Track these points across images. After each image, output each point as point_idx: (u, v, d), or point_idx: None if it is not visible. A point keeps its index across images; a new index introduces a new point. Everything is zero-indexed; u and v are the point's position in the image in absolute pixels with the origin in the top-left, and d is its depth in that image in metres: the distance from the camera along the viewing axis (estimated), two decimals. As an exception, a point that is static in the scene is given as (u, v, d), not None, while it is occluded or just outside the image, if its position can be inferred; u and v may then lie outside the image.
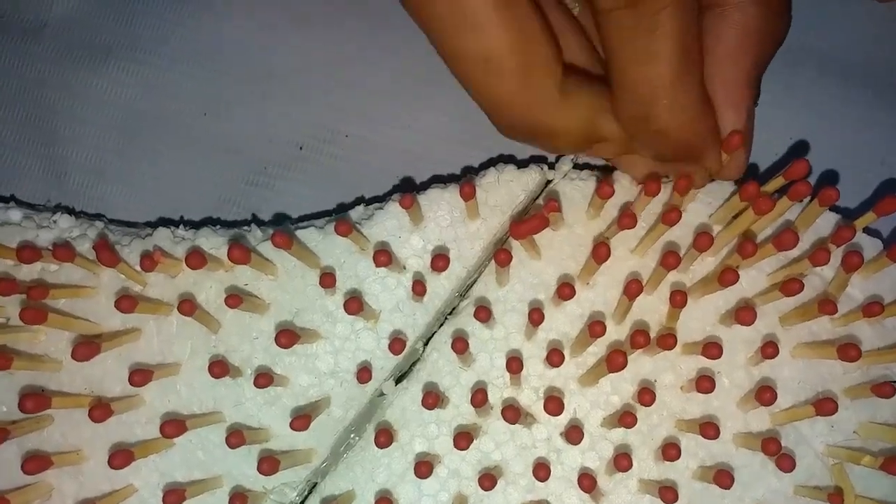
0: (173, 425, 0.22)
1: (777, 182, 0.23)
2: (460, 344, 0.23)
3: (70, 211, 0.29)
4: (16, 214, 0.28)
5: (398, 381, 0.26)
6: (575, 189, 0.26)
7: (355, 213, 0.27)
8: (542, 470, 0.23)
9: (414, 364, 0.26)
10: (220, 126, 0.30)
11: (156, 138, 0.30)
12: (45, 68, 0.31)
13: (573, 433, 0.23)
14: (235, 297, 0.23)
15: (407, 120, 0.30)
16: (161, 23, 0.31)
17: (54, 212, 0.28)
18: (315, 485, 0.26)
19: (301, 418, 0.23)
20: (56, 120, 0.31)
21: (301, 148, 0.30)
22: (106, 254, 0.24)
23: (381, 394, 0.26)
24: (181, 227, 0.27)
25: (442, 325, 0.27)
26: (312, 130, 0.30)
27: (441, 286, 0.26)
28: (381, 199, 0.27)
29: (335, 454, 0.26)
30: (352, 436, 0.26)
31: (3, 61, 0.31)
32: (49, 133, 0.30)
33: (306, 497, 0.25)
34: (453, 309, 0.27)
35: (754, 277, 0.25)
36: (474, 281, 0.27)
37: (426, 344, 0.26)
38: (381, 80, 0.30)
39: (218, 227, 0.27)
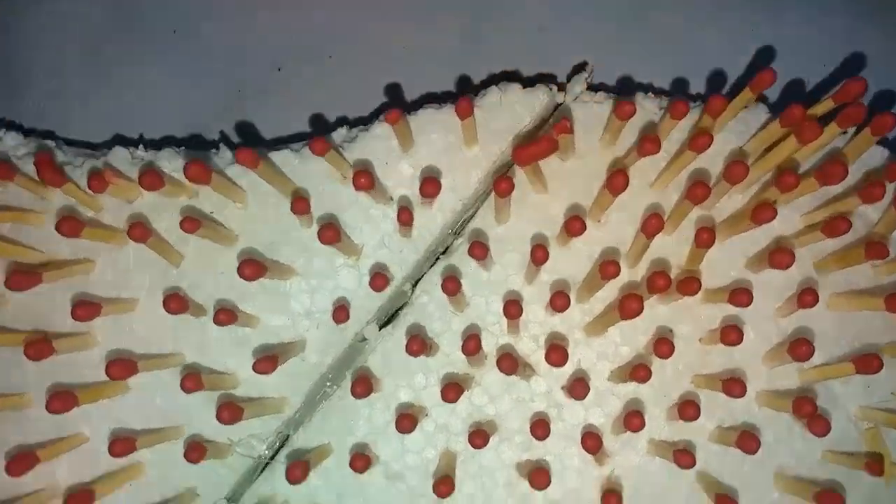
0: (121, 366, 0.20)
1: (826, 105, 0.20)
2: (452, 284, 0.20)
3: (19, 128, 0.25)
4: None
5: (382, 326, 0.23)
6: (588, 113, 0.23)
7: (337, 136, 0.24)
8: (540, 427, 0.20)
9: (400, 308, 0.23)
10: (190, 44, 0.27)
11: (120, 56, 0.27)
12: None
13: (577, 387, 0.20)
14: (193, 221, 0.20)
15: (399, 38, 0.26)
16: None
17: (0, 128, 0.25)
18: (287, 437, 0.23)
19: (266, 360, 0.20)
20: (11, 34, 0.27)
21: (280, 69, 0.27)
22: (48, 170, 0.21)
23: (363, 339, 0.23)
24: (140, 147, 0.24)
25: (433, 265, 0.24)
26: (293, 51, 0.27)
27: (432, 220, 0.23)
28: (367, 122, 0.24)
29: (310, 404, 0.23)
30: (328, 384, 0.23)
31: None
32: (2, 47, 0.27)
33: (277, 451, 0.23)
34: (447, 248, 0.24)
35: (787, 217, 0.22)
36: (470, 216, 0.24)
37: (415, 285, 0.24)
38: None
39: (182, 148, 0.24)
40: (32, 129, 0.26)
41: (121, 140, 0.25)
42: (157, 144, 0.25)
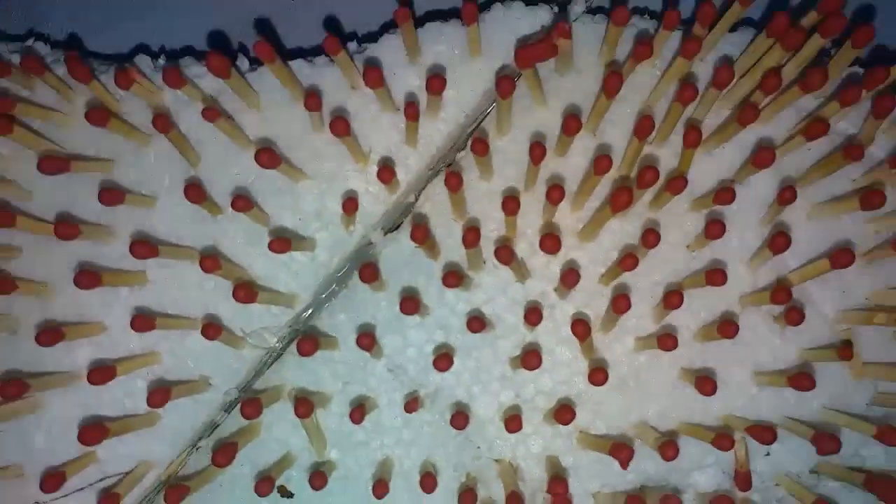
0: (144, 246, 0.21)
1: (810, 18, 0.21)
2: (454, 180, 0.21)
3: (46, 39, 0.27)
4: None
5: (387, 232, 0.25)
6: (588, 32, 0.24)
7: (348, 50, 0.25)
8: (534, 314, 0.22)
9: (405, 215, 0.25)
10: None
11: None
12: None
13: (568, 276, 0.22)
14: (213, 111, 0.21)
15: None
16: None
17: (27, 39, 0.26)
18: (297, 333, 0.24)
19: (281, 241, 0.21)
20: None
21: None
22: (77, 65, 0.22)
23: (369, 243, 0.25)
24: (162, 57, 0.25)
25: (436, 176, 0.25)
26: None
27: (437, 131, 0.24)
28: (375, 36, 0.25)
29: (318, 302, 0.24)
30: (334, 286, 0.25)
31: None
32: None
33: (287, 344, 0.24)
34: (450, 164, 0.25)
35: (772, 132, 0.24)
36: (473, 130, 0.25)
37: (418, 196, 0.25)
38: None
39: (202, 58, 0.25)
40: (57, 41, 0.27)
41: (144, 50, 0.27)
42: (177, 55, 0.26)
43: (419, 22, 0.26)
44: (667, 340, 0.21)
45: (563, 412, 0.21)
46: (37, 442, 0.23)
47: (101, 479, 0.23)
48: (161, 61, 0.25)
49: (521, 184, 0.24)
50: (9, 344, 0.23)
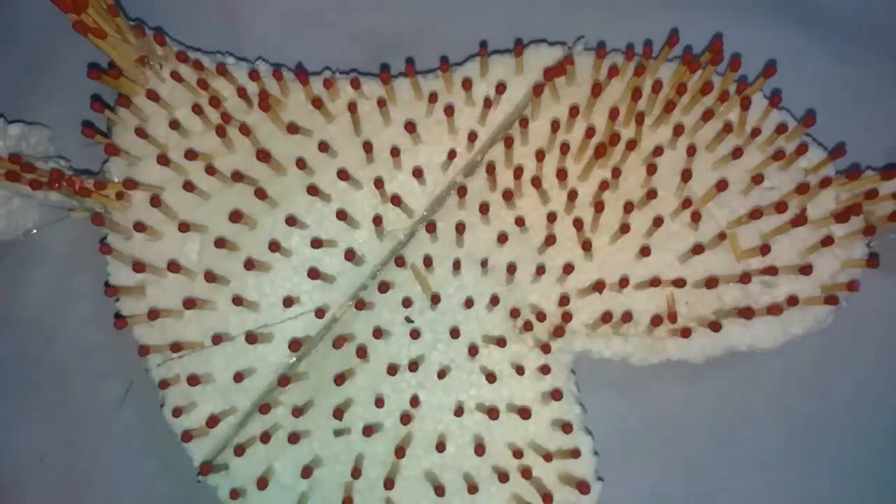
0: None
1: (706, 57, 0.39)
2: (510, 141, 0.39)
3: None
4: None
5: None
6: (584, 60, 0.42)
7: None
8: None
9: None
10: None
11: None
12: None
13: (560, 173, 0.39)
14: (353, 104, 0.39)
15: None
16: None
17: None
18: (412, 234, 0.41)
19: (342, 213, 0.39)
20: None
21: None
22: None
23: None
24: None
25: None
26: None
27: (501, 112, 0.42)
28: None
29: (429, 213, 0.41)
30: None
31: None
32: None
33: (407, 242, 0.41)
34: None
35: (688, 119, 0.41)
36: (517, 117, 0.42)
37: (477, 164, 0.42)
38: None
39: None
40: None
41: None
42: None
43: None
44: (624, 227, 0.38)
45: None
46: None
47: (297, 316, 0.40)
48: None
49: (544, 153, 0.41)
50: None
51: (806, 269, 0.37)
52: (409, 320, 0.39)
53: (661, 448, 0.41)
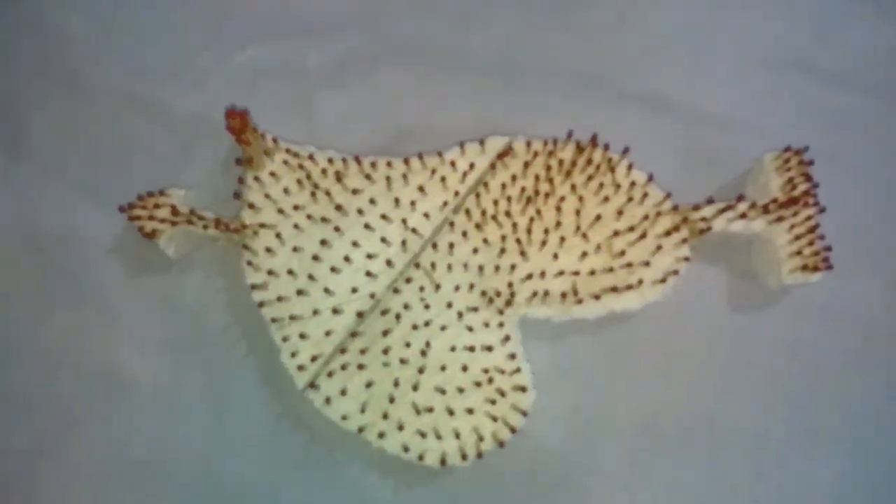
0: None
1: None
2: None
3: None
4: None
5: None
6: (523, 146, 0.70)
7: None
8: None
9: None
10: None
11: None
12: None
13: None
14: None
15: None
16: None
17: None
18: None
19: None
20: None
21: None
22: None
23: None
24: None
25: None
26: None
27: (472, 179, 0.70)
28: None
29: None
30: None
31: None
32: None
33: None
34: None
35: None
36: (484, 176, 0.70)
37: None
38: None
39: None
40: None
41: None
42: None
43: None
44: (543, 243, 0.66)
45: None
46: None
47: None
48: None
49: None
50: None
51: (647, 263, 0.65)
52: (424, 299, 0.67)
53: (574, 374, 0.69)
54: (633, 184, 0.67)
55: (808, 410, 0.65)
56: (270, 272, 0.66)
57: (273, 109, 0.74)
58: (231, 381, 0.68)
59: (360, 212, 0.67)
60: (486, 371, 0.64)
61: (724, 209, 0.66)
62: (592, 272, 0.66)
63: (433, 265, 0.66)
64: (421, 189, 0.67)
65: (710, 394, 0.66)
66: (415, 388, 0.63)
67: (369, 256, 0.66)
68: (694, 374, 0.67)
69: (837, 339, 0.66)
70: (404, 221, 0.67)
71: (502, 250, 0.67)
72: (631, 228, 0.66)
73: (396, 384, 0.64)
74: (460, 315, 0.65)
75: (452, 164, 0.67)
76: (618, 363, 0.67)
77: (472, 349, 0.65)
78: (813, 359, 0.66)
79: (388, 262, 0.65)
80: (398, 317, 0.65)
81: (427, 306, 0.65)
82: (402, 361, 0.64)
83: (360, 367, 0.64)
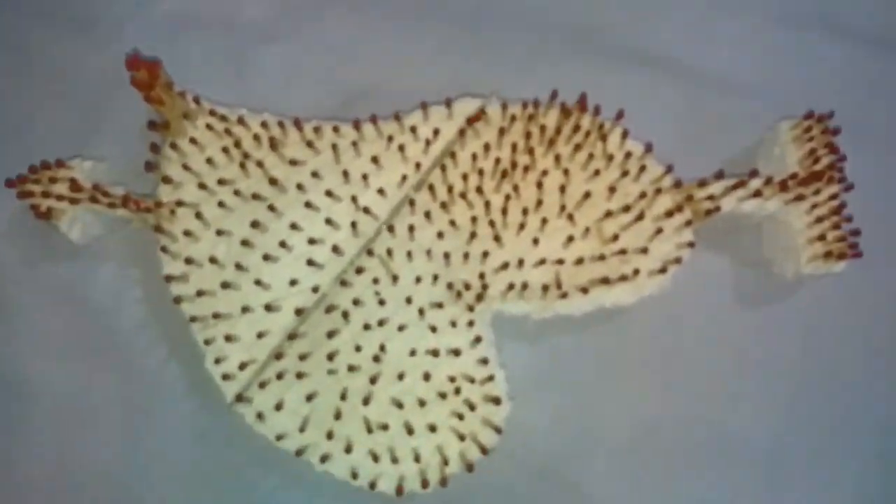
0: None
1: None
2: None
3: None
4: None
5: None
6: (497, 110, 0.59)
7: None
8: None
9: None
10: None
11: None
12: None
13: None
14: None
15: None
16: None
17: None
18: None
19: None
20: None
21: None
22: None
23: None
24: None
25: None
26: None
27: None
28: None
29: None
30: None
31: None
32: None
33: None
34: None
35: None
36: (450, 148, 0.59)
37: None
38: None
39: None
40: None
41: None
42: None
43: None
44: (521, 225, 0.55)
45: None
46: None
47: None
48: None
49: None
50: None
51: (644, 250, 0.55)
52: (378, 294, 0.56)
53: (558, 381, 0.59)
54: (628, 155, 0.56)
55: (828, 419, 0.57)
56: (190, 261, 0.54)
57: (200, 66, 0.62)
58: (149, 391, 0.58)
59: (300, 188, 0.55)
60: (452, 379, 0.54)
61: (734, 186, 0.55)
62: (579, 260, 0.55)
63: (389, 252, 0.55)
64: (375, 160, 0.56)
65: (716, 402, 0.58)
66: (366, 400, 0.53)
67: (312, 242, 0.54)
68: (698, 380, 0.58)
69: (863, 338, 0.58)
70: (355, 199, 0.55)
71: (472, 235, 0.56)
72: (625, 208, 0.56)
73: (344, 396, 0.53)
74: (422, 312, 0.54)
75: (413, 130, 0.56)
76: (609, 368, 0.58)
77: (435, 353, 0.54)
78: (834, 360, 0.58)
79: (335, 249, 0.54)
80: (346, 315, 0.54)
81: (382, 302, 0.54)
82: (351, 369, 0.53)
83: (300, 375, 0.53)
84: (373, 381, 0.53)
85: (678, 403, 0.58)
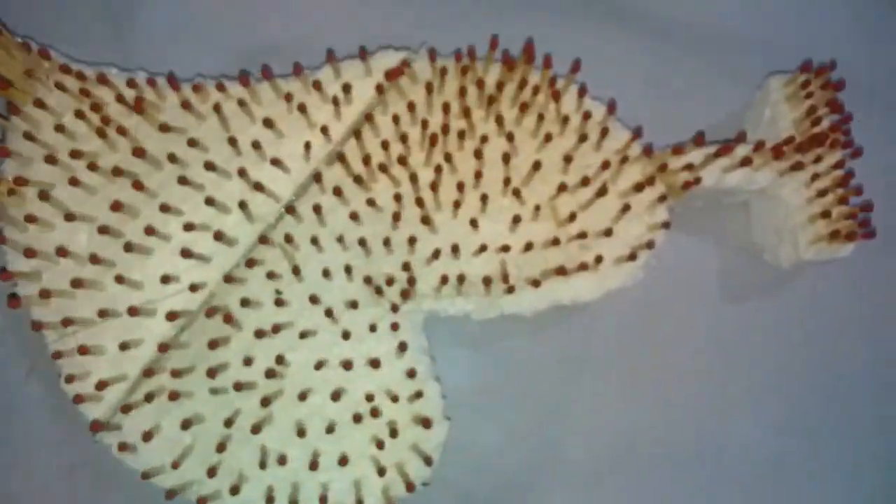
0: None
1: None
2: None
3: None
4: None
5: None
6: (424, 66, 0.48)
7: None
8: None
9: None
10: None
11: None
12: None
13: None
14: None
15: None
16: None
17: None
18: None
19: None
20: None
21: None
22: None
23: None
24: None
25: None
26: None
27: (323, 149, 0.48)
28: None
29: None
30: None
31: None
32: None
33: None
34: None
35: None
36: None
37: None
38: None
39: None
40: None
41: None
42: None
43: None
44: (456, 203, 0.44)
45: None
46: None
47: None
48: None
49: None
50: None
51: (608, 232, 0.45)
52: (278, 292, 0.45)
53: (506, 395, 0.48)
54: (586, 117, 0.46)
55: (832, 426, 0.49)
56: (36, 253, 0.43)
57: (71, 23, 0.51)
58: (6, 415, 0.48)
59: (174, 160, 0.44)
60: (369, 398, 0.43)
61: (717, 153, 0.45)
62: (529, 246, 0.45)
63: (290, 240, 0.44)
64: (270, 125, 0.44)
65: (698, 415, 0.49)
66: (258, 427, 0.41)
67: (190, 228, 0.43)
68: (676, 389, 0.50)
69: (871, 334, 0.50)
70: (244, 174, 0.44)
71: (396, 217, 0.45)
72: (584, 182, 0.45)
73: (230, 422, 0.42)
74: (331, 314, 0.44)
75: (319, 88, 0.45)
76: (570, 377, 0.49)
77: (348, 365, 0.43)
78: (837, 359, 0.50)
79: (221, 237, 0.43)
80: (234, 319, 0.43)
81: (280, 303, 0.44)
82: (240, 387, 0.42)
83: (175, 396, 0.41)
84: (267, 402, 0.42)
85: (653, 418, 0.49)
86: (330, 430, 0.42)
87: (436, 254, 0.45)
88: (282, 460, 0.42)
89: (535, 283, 0.44)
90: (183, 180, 0.43)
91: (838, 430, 0.49)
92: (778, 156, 0.45)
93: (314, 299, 0.44)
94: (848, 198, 0.46)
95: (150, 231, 0.43)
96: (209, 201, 0.43)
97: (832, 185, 0.46)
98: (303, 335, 0.43)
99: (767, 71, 0.50)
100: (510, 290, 0.45)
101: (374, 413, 0.43)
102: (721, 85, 0.51)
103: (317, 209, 0.44)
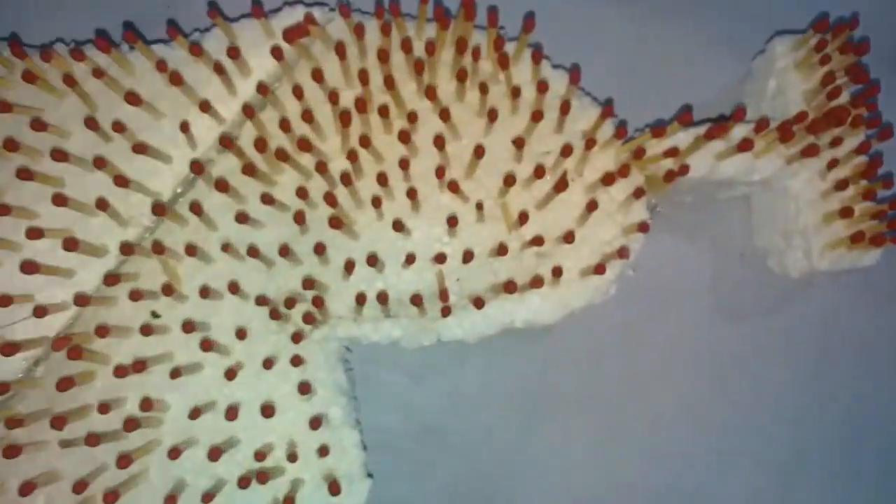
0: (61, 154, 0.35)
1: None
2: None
3: None
4: None
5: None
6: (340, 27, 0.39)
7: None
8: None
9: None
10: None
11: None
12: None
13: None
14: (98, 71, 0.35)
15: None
16: None
17: None
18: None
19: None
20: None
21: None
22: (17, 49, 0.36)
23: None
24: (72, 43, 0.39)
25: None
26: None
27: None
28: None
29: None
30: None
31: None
32: None
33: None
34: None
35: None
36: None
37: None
38: None
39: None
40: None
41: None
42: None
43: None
44: (376, 200, 0.35)
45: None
46: None
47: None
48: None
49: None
50: None
51: (570, 237, 0.35)
52: (155, 315, 0.36)
53: (446, 444, 0.39)
54: (543, 89, 0.36)
55: (845, 449, 0.43)
56: None
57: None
58: None
59: (13, 149, 0.34)
60: (260, 455, 0.34)
61: (707, 135, 0.36)
62: (470, 255, 0.35)
63: (160, 248, 0.35)
64: (134, 102, 0.35)
65: (691, 468, 0.42)
66: (114, 493, 0.32)
67: (42, 235, 0.33)
68: (660, 435, 0.42)
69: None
70: (102, 164, 0.34)
71: (300, 218, 0.35)
72: (539, 173, 0.36)
73: (84, 483, 0.33)
74: (214, 347, 0.34)
75: (198, 53, 0.35)
76: (524, 420, 0.41)
77: (233, 413, 0.34)
78: (858, 392, 0.43)
79: (75, 245, 0.33)
80: (89, 353, 0.33)
81: (154, 330, 0.34)
82: (96, 440, 0.33)
83: (16, 449, 0.32)
84: (126, 460, 0.33)
85: (629, 472, 0.40)
86: (206, 499, 0.33)
87: (349, 265, 0.35)
88: (150, 533, 0.33)
89: (479, 303, 0.35)
90: (21, 174, 0.34)
91: (853, 448, 0.42)
92: (785, 137, 0.36)
93: (198, 325, 0.34)
94: (874, 192, 0.39)
95: (-18, 241, 0.33)
96: (66, 201, 0.34)
97: (854, 176, 0.39)
98: (173, 374, 0.34)
99: (772, 31, 0.43)
100: (447, 311, 0.35)
101: (267, 475, 0.33)
102: (713, 49, 0.43)
103: (194, 208, 0.35)
